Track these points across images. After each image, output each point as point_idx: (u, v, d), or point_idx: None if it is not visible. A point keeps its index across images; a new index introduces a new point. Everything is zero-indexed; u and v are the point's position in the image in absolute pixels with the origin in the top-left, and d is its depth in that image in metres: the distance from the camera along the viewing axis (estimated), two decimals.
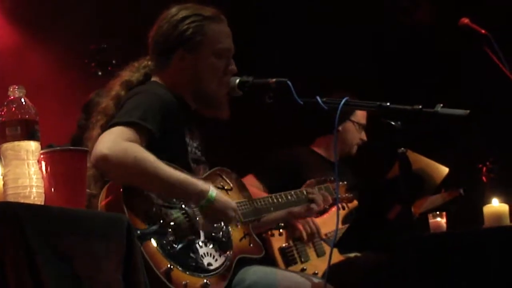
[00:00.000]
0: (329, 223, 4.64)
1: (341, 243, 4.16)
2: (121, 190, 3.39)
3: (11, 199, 2.57)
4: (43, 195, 2.64)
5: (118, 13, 6.78)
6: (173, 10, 3.85)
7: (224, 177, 3.87)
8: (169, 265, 3.36)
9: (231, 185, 3.85)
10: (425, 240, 4.00)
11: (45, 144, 3.06)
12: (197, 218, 3.58)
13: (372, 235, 4.02)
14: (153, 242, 3.36)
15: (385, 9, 7.80)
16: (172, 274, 3.37)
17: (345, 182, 4.62)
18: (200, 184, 3.53)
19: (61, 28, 7.15)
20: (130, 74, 3.88)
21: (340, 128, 5.28)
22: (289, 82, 3.52)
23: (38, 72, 7.37)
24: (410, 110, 3.33)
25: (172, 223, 3.50)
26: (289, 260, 4.78)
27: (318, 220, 4.66)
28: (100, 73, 5.31)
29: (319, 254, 4.69)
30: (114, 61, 5.26)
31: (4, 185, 2.61)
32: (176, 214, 3.54)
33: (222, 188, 3.75)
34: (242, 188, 3.91)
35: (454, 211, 5.88)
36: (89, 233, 2.61)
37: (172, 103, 3.69)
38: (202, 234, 3.58)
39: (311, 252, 4.70)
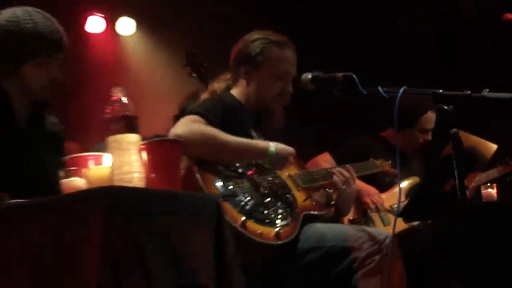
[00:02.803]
0: (392, 198, 4.62)
1: (405, 213, 4.13)
2: (194, 166, 3.55)
3: (117, 183, 2.60)
4: (144, 179, 2.66)
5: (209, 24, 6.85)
6: (252, 33, 4.03)
7: None
8: (243, 218, 3.46)
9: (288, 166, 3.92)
10: (478, 209, 3.97)
11: (147, 135, 3.15)
12: (262, 183, 3.69)
13: (431, 205, 3.99)
14: (227, 202, 3.45)
15: None
16: (247, 225, 3.47)
17: (390, 161, 4.59)
18: (261, 143, 3.77)
19: (173, 36, 7.29)
20: (216, 85, 4.15)
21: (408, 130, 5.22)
22: (354, 75, 3.51)
23: (158, 74, 7.57)
24: (460, 95, 3.29)
25: (240, 188, 3.62)
26: None
27: (383, 196, 4.67)
28: (194, 75, 5.30)
29: (385, 223, 4.66)
30: (205, 64, 5.25)
31: (111, 172, 2.65)
32: (243, 181, 3.67)
33: None
34: (299, 165, 4.00)
35: None
36: (184, 211, 2.63)
37: (235, 107, 3.90)
38: (269, 195, 3.68)
39: (378, 222, 4.67)
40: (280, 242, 3.55)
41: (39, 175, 3.21)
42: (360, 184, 4.62)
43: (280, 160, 3.75)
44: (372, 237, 3.62)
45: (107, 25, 8.02)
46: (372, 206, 4.65)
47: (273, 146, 3.72)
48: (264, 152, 3.71)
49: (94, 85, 7.20)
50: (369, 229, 3.77)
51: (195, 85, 5.14)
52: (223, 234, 2.73)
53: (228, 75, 4.14)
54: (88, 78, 7.41)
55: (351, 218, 4.78)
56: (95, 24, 7.97)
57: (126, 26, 8.15)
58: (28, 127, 3.40)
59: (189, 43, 5.70)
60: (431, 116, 5.11)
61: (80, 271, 2.28)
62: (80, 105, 6.87)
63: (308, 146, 5.15)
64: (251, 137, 3.86)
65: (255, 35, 4.01)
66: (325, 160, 5.05)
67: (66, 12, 7.10)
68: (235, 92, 4.04)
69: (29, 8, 3.35)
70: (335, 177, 3.92)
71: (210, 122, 3.68)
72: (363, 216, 4.79)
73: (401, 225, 4.51)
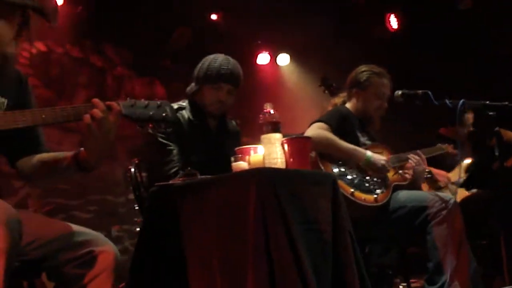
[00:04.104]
0: (456, 174, 4.56)
1: (465, 184, 4.09)
2: (317, 155, 3.64)
3: (267, 165, 2.66)
4: (284, 163, 2.70)
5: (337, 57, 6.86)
6: (361, 66, 4.06)
7: (378, 146, 3.94)
8: (352, 190, 3.55)
9: (382, 150, 3.92)
10: None
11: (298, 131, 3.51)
12: (363, 167, 3.72)
13: (484, 179, 3.94)
14: (340, 180, 3.52)
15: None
16: (355, 194, 3.56)
17: (452, 145, 4.48)
18: (361, 150, 3.72)
19: (313, 65, 7.34)
20: (336, 100, 4.22)
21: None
22: (429, 92, 3.52)
23: (303, 91, 7.66)
24: (500, 105, 3.28)
25: (349, 170, 3.68)
26: None
27: (450, 174, 4.62)
28: (326, 92, 5.30)
29: (452, 193, 4.59)
30: (333, 85, 5.24)
31: (264, 158, 2.70)
32: (351, 165, 3.72)
33: (376, 152, 3.83)
34: (388, 152, 3.95)
35: None
36: (311, 183, 2.65)
37: (347, 115, 3.93)
38: (369, 174, 3.73)
39: (447, 192, 4.61)
40: (377, 204, 3.63)
41: (222, 161, 3.31)
42: (435, 171, 4.59)
43: (373, 165, 3.71)
44: (441, 199, 3.61)
45: (270, 59, 8.14)
46: (443, 184, 4.61)
47: (370, 154, 3.72)
48: (362, 157, 3.70)
49: (262, 99, 7.28)
50: (439, 193, 3.75)
51: (326, 99, 5.17)
52: (338, 198, 2.72)
53: (344, 94, 4.17)
54: (258, 94, 7.52)
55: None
56: (263, 58, 8.11)
57: (283, 59, 8.23)
58: (216, 131, 3.53)
59: (323, 70, 5.70)
60: (470, 115, 4.98)
61: (244, 222, 2.35)
62: (254, 112, 7.01)
63: (402, 139, 5.11)
64: (357, 137, 3.88)
65: (363, 68, 4.04)
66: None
67: (245, 52, 7.32)
68: (348, 105, 4.06)
69: (222, 55, 3.48)
70: (410, 161, 3.89)
71: (331, 127, 3.74)
72: (437, 189, 4.75)
73: (464, 192, 4.46)
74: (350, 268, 2.60)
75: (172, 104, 3.39)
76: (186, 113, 3.44)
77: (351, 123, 3.91)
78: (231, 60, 3.48)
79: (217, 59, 3.45)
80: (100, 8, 6.63)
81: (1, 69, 2.34)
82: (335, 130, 3.74)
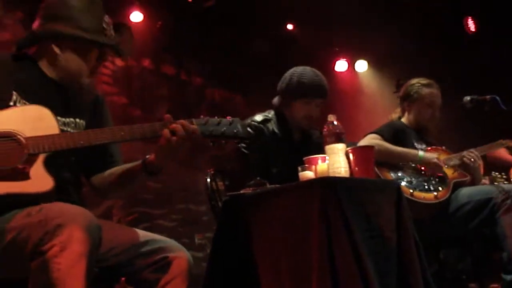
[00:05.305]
0: None
1: None
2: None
3: (331, 174, 2.75)
4: (348, 172, 2.77)
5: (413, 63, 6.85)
6: (411, 79, 4.20)
7: (434, 150, 4.01)
8: (411, 191, 3.67)
9: (440, 154, 3.97)
10: None
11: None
12: (421, 167, 3.84)
13: None
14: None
15: None
16: (414, 194, 3.69)
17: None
18: (413, 151, 3.87)
19: (390, 71, 7.36)
20: (392, 115, 4.35)
21: None
22: (497, 97, 3.58)
23: (381, 96, 7.70)
24: None
25: (407, 173, 3.82)
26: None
27: None
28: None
29: None
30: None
31: (328, 168, 2.79)
32: (407, 169, 3.84)
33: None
34: (446, 154, 4.00)
35: None
36: (374, 190, 2.72)
37: (402, 129, 4.08)
38: (427, 175, 3.83)
39: None
40: (438, 201, 3.74)
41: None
42: None
43: (426, 163, 3.84)
44: (504, 189, 3.68)
45: (348, 66, 8.22)
46: None
47: (422, 153, 3.84)
48: (415, 157, 3.84)
49: (341, 106, 7.40)
50: (502, 185, 3.82)
51: None
52: (402, 204, 2.76)
53: (400, 108, 4.31)
54: (337, 102, 7.59)
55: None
56: (341, 65, 8.19)
57: (361, 66, 8.29)
58: (300, 142, 3.72)
59: (401, 75, 5.72)
60: None
61: (308, 230, 2.45)
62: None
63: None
64: (414, 146, 3.99)
65: (412, 81, 4.19)
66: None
67: (322, 59, 7.41)
68: (403, 120, 4.22)
69: (308, 68, 3.67)
70: (464, 159, 3.92)
71: (382, 137, 3.90)
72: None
73: None
74: (415, 274, 2.66)
75: (258, 115, 3.62)
76: (271, 126, 3.62)
77: (407, 134, 4.06)
78: (318, 73, 3.68)
79: (305, 74, 3.64)
80: (179, 22, 6.91)
81: (78, 95, 2.57)
82: (387, 140, 3.90)
